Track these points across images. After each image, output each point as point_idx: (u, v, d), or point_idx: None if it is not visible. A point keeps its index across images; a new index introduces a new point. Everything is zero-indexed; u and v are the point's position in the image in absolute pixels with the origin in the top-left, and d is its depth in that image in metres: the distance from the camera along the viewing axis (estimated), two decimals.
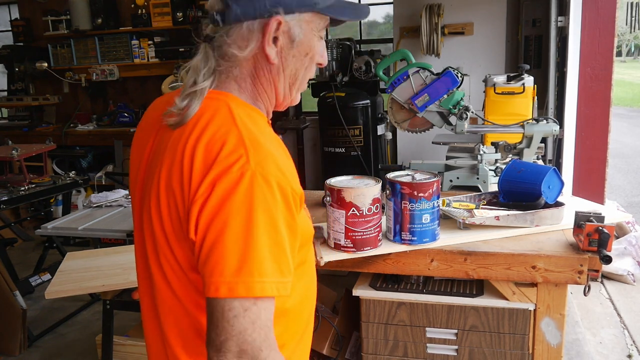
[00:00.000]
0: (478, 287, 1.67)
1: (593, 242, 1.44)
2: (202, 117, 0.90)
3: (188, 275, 0.90)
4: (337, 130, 3.76)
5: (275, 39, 0.93)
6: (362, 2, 5.92)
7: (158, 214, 0.90)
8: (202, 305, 0.88)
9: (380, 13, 6.35)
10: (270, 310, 0.84)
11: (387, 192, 1.54)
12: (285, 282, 0.84)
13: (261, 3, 0.91)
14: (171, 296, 0.94)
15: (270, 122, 1.04)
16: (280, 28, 0.93)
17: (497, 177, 1.93)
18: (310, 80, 1.09)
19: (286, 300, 0.95)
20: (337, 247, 1.53)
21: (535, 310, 1.57)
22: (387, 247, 1.55)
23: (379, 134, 3.94)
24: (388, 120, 2.25)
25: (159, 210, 0.90)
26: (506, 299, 1.59)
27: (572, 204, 1.78)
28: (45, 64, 5.43)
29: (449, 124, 2.12)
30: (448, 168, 2.25)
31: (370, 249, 1.52)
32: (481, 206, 1.78)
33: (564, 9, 3.23)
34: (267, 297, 0.82)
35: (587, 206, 1.83)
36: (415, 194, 1.48)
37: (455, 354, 1.68)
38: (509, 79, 2.58)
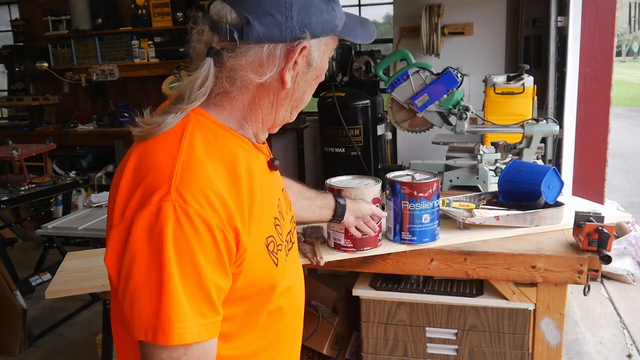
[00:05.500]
0: (478, 287, 1.67)
1: (593, 242, 1.45)
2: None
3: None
4: (337, 130, 3.76)
5: (294, 63, 0.86)
6: (363, 1, 5.93)
7: None
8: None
9: (380, 13, 6.35)
10: (205, 352, 0.77)
11: (387, 192, 1.54)
12: (210, 323, 0.77)
13: (289, 27, 0.82)
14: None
15: (264, 143, 0.96)
16: (303, 53, 0.86)
17: (497, 177, 1.93)
18: None
19: (241, 346, 0.89)
20: (337, 247, 1.53)
21: (535, 310, 1.58)
22: (387, 247, 1.56)
23: (379, 134, 3.93)
24: (388, 120, 2.25)
25: None
26: (506, 299, 1.59)
27: (572, 204, 1.79)
28: (46, 64, 5.42)
29: (449, 124, 2.12)
30: (448, 168, 2.25)
31: (370, 248, 1.53)
32: (481, 206, 1.79)
33: (563, 9, 3.23)
34: (195, 343, 0.75)
35: (587, 206, 1.83)
36: (415, 194, 1.48)
37: (455, 353, 1.68)
38: (509, 79, 2.58)
